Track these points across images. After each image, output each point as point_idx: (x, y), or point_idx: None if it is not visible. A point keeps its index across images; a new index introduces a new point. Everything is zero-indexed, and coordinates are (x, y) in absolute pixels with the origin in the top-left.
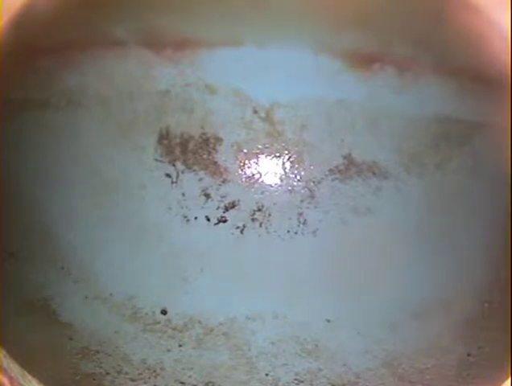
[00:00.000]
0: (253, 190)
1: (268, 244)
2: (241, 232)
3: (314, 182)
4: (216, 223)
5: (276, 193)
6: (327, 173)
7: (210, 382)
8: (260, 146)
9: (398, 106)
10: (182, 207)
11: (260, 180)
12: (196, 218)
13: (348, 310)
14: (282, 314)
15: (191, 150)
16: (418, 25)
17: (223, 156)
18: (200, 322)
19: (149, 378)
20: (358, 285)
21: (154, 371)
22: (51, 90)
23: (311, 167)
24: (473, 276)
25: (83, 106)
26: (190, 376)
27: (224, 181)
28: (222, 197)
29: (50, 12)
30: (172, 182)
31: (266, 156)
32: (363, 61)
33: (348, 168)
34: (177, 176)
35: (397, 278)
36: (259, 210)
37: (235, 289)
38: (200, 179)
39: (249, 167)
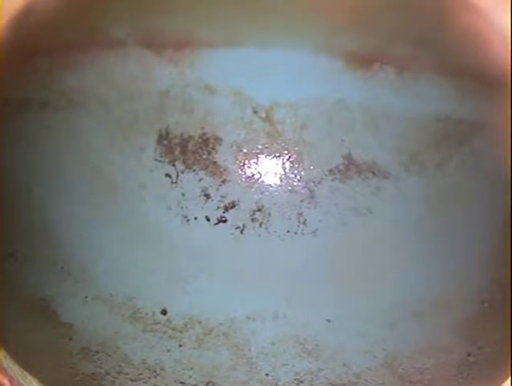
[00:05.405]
0: (253, 190)
1: (268, 244)
2: (241, 232)
3: (314, 182)
4: (216, 224)
5: (276, 193)
6: (327, 173)
7: (210, 382)
8: (260, 146)
9: (398, 106)
10: (182, 207)
11: (260, 180)
12: (195, 218)
13: (348, 310)
14: (282, 314)
15: (190, 150)
16: (418, 25)
17: (223, 156)
18: (200, 322)
19: (149, 378)
20: (358, 285)
21: (154, 371)
22: (51, 90)
23: (311, 167)
24: (473, 276)
25: (83, 106)
26: (190, 376)
27: (224, 181)
28: (222, 197)
29: (50, 12)
30: (172, 183)
31: (266, 156)
32: (363, 61)
33: (348, 168)
34: (177, 176)
35: (397, 278)
36: (259, 210)
37: (235, 289)
38: (200, 179)
39: (249, 167)
